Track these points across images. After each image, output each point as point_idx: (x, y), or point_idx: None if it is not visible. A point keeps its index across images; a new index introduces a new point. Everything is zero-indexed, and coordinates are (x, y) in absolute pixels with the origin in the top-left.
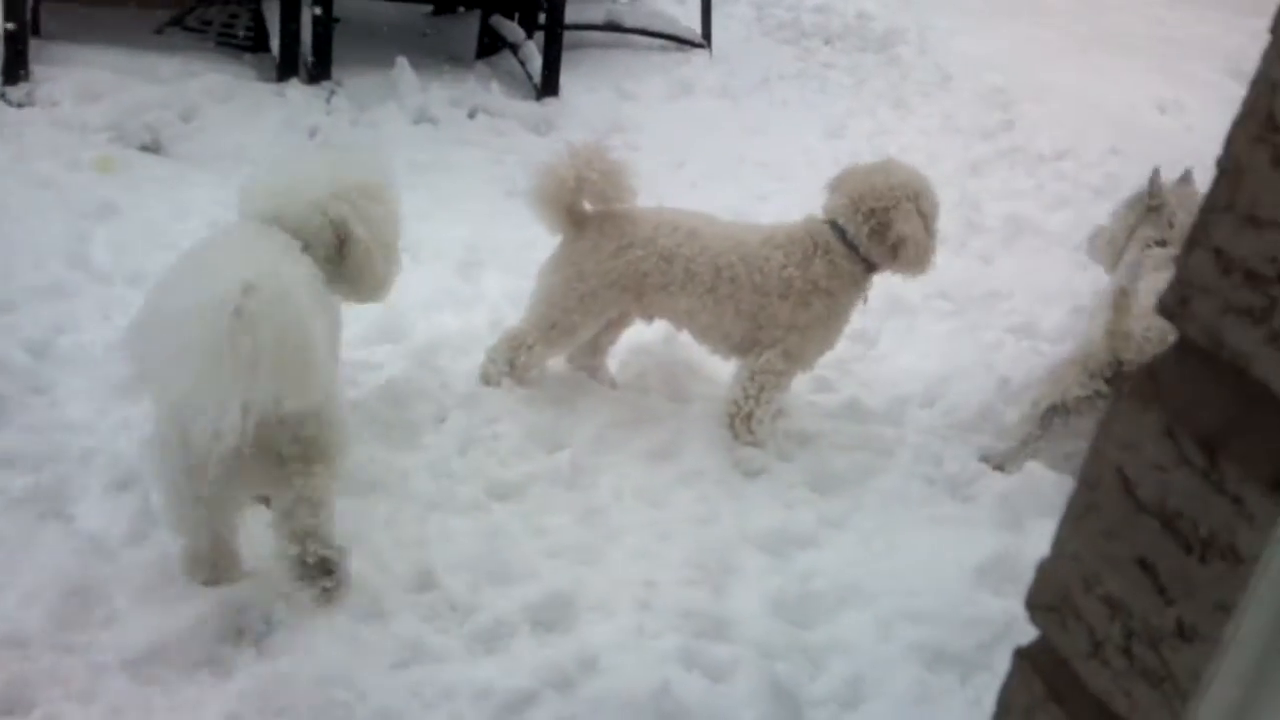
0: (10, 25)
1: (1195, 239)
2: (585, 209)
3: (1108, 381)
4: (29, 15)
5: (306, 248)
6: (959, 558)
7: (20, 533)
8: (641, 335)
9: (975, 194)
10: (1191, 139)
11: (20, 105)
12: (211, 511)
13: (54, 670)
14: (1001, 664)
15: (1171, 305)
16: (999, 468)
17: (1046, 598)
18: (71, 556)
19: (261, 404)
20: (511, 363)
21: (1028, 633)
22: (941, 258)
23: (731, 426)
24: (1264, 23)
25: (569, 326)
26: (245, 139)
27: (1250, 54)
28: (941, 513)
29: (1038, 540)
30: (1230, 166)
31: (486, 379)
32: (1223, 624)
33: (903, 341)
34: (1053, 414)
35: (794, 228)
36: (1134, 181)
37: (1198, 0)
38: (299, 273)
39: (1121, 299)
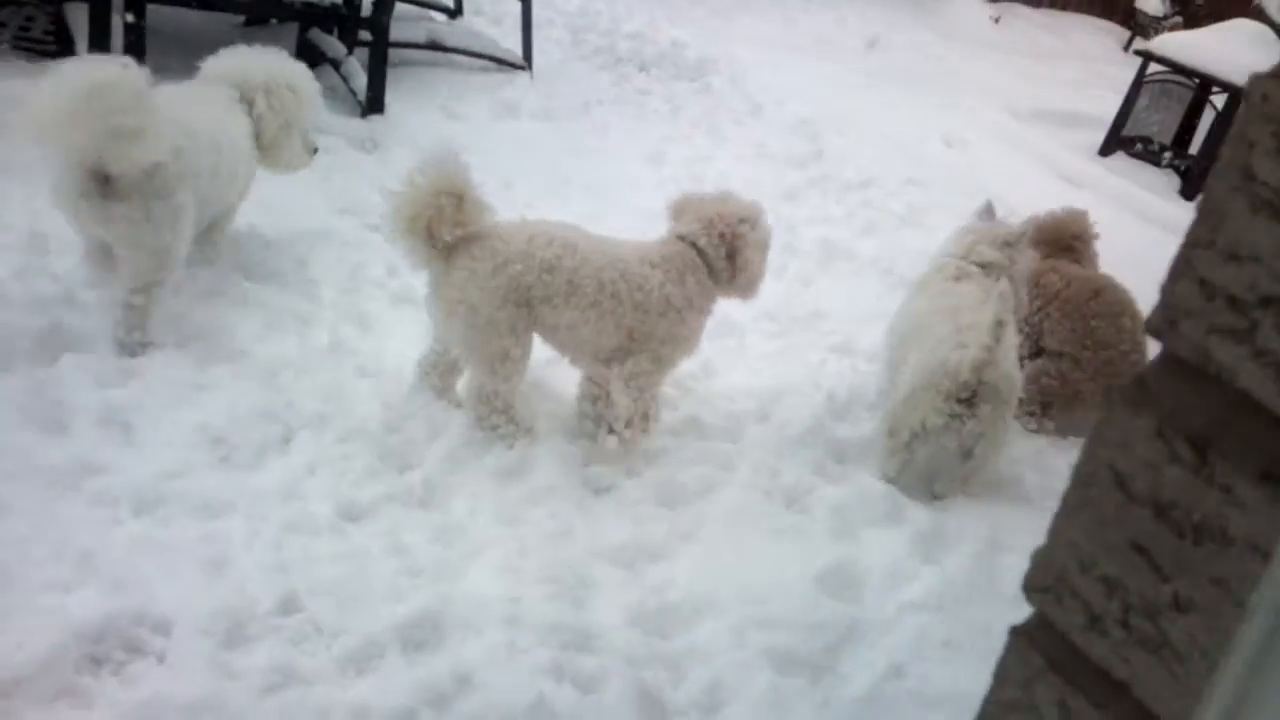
0: None
1: (1178, 271)
2: (447, 237)
3: (962, 402)
4: None
5: (249, 107)
6: (801, 566)
7: None
8: None
9: (791, 219)
10: (976, 172)
11: None
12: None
13: None
14: (846, 665)
15: (1158, 325)
16: (890, 482)
17: (1043, 580)
18: None
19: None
20: (502, 411)
21: (868, 636)
22: (765, 281)
23: (629, 426)
24: (1030, 64)
25: (502, 353)
26: None
27: (1022, 93)
28: (782, 524)
29: (872, 548)
30: (1209, 210)
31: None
32: (1218, 597)
33: (735, 360)
34: (913, 440)
35: (664, 247)
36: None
37: (972, 41)
38: (202, 103)
39: (998, 330)
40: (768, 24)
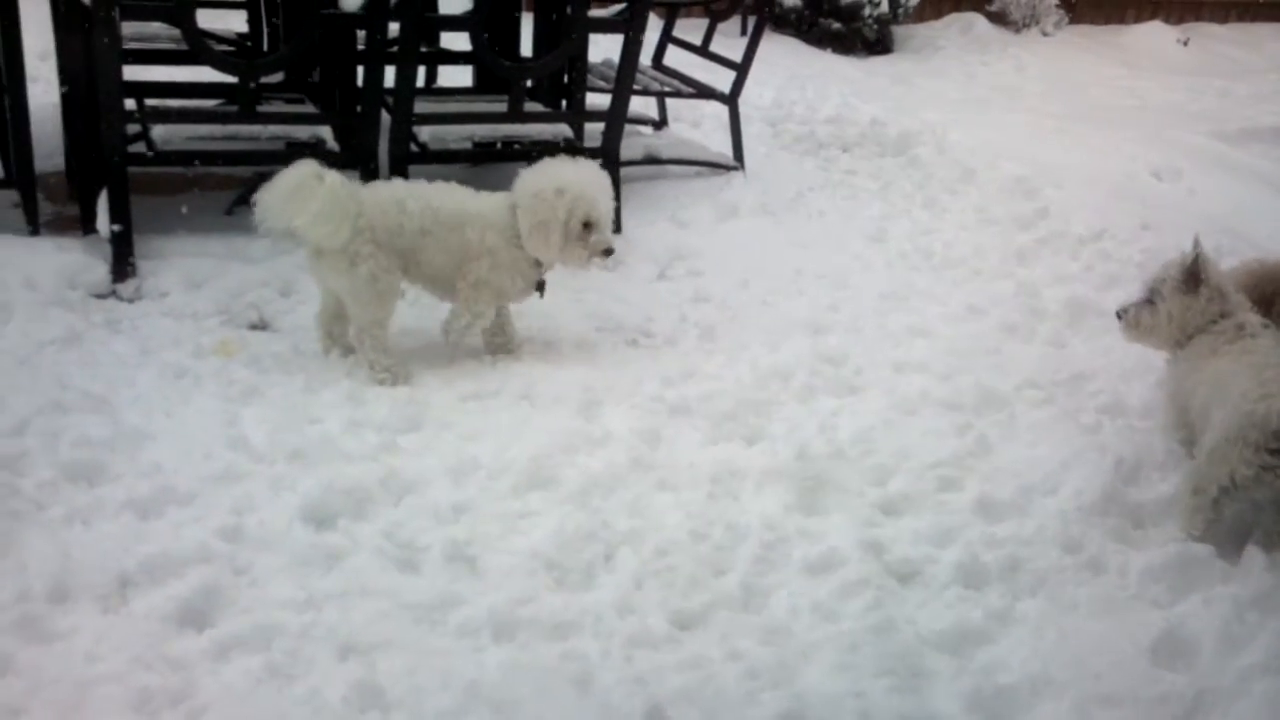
0: (117, 227)
1: None
2: None
3: (1274, 453)
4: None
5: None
6: (1128, 637)
7: (273, 712)
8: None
9: (1029, 282)
10: (1196, 202)
11: (132, 300)
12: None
13: None
14: None
15: None
16: (1198, 541)
17: None
18: None
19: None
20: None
21: (1218, 705)
22: (1015, 346)
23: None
24: (1228, 83)
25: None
26: None
27: (1220, 115)
28: (1096, 596)
29: (1198, 612)
30: None
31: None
32: None
33: (1008, 433)
34: (1222, 496)
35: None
36: (1169, 253)
37: (1161, 68)
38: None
39: None
40: (948, 82)
